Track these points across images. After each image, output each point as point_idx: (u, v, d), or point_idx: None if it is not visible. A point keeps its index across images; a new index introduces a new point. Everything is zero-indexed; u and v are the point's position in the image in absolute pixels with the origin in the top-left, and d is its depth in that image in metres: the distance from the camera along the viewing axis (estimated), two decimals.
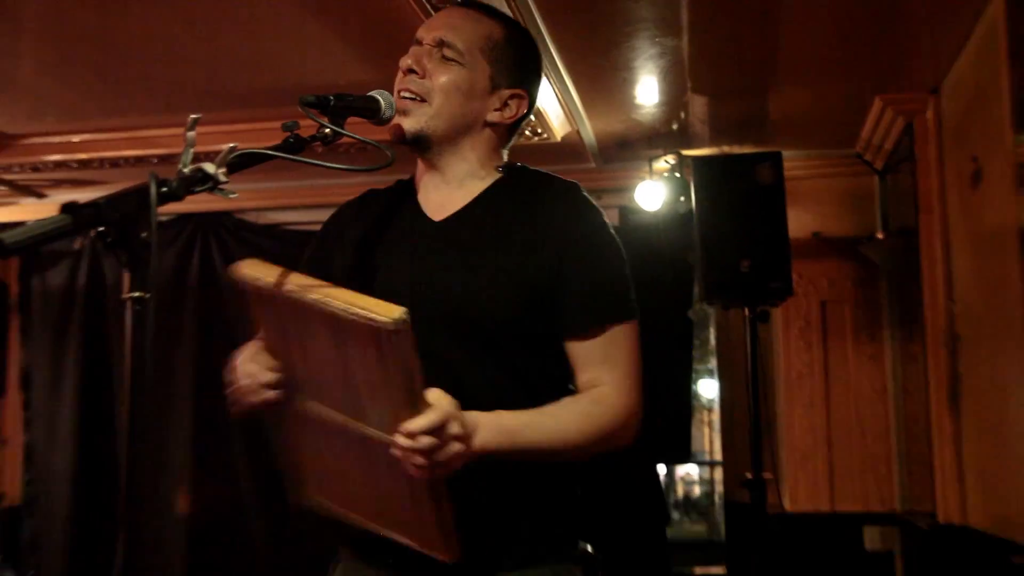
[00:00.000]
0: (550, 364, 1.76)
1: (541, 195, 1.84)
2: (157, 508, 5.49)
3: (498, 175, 1.86)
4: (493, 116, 1.83)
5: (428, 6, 3.10)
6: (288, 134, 1.61)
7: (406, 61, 1.78)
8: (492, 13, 1.94)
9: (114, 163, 4.78)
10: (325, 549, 1.93)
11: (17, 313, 5.61)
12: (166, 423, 5.51)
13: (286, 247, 5.41)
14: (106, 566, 5.51)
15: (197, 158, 1.48)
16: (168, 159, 4.58)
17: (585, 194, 1.84)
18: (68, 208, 1.31)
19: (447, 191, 1.84)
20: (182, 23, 3.55)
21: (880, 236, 4.80)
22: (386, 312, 1.36)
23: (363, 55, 3.63)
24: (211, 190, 1.46)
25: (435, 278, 1.75)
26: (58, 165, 4.88)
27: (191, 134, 1.45)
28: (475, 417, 1.50)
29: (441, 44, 1.78)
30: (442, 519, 1.51)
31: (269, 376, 1.57)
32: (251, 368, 1.59)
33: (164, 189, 1.37)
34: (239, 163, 1.50)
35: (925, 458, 4.22)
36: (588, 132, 4.56)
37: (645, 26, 3.56)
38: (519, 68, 1.87)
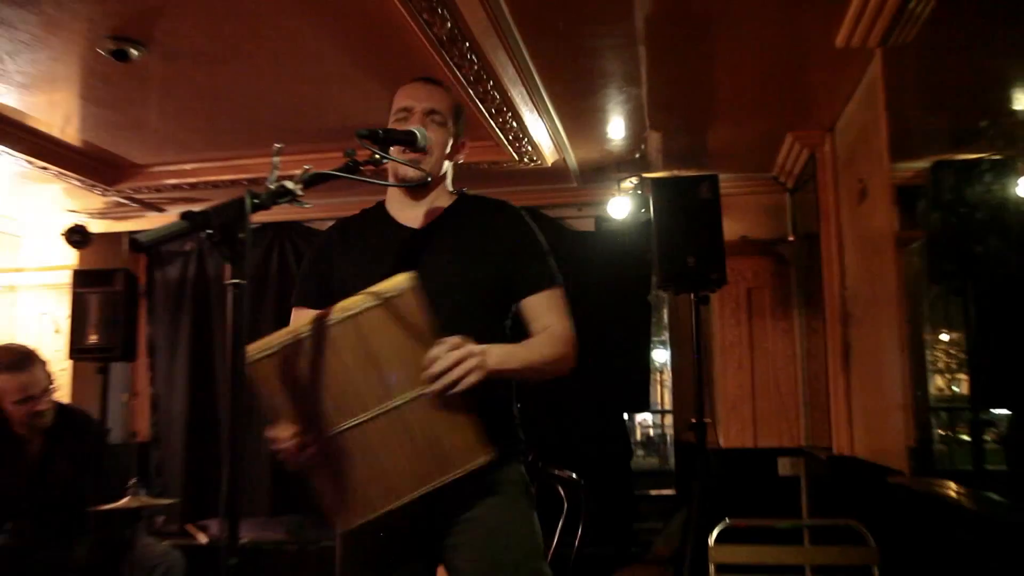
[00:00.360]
0: (502, 322, 1.91)
1: (486, 209, 2.00)
2: (248, 441, 5.51)
3: (454, 196, 2.01)
4: (455, 159, 2.00)
5: (453, 66, 3.14)
6: (347, 159, 1.63)
7: (414, 126, 1.87)
8: (446, 87, 2.07)
9: (215, 185, 4.78)
10: None
11: (144, 298, 5.59)
12: None
13: None
14: (212, 484, 5.55)
15: (280, 178, 1.50)
16: (255, 181, 4.58)
17: (512, 205, 2.01)
18: (185, 215, 1.34)
19: (421, 209, 1.96)
20: (267, 80, 3.56)
21: (791, 239, 4.82)
22: (394, 283, 1.43)
23: None
24: (291, 201, 1.49)
25: (425, 267, 1.81)
26: (174, 187, 4.89)
27: (276, 159, 1.48)
28: (484, 345, 1.61)
29: (432, 112, 1.91)
30: (477, 427, 1.56)
31: (300, 438, 1.57)
32: (285, 436, 1.58)
33: (256, 200, 1.40)
34: (312, 180, 1.53)
35: (823, 406, 4.25)
36: (571, 159, 4.56)
37: (614, 79, 3.57)
38: (462, 124, 2.01)
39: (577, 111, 3.93)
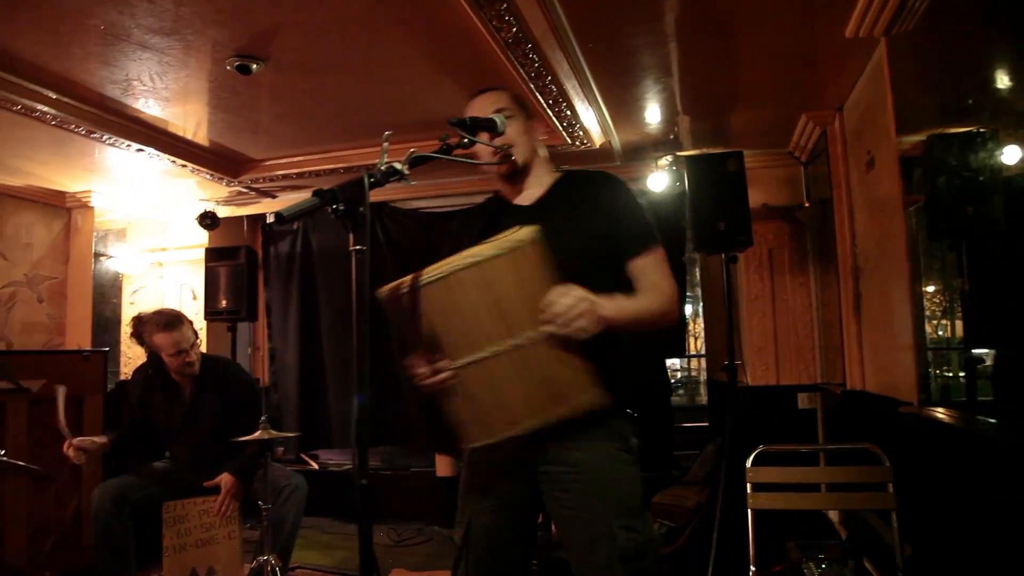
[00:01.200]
0: (615, 285, 1.76)
1: (588, 181, 1.91)
2: (351, 384, 5.65)
3: (558, 174, 1.94)
4: (537, 138, 1.93)
5: (518, 65, 3.16)
6: (441, 143, 1.66)
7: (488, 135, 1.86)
8: (500, 87, 1.99)
9: (316, 174, 4.85)
10: None
11: (261, 269, 5.73)
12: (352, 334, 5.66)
13: (419, 222, 5.44)
14: (320, 421, 5.71)
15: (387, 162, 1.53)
16: (349, 169, 4.64)
17: (614, 175, 1.92)
18: (316, 193, 1.40)
19: (528, 189, 1.92)
20: (360, 84, 3.60)
21: (806, 205, 4.75)
22: (519, 234, 1.37)
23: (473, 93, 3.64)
24: (399, 180, 1.52)
25: None
26: (283, 176, 4.98)
27: (385, 144, 1.52)
28: (597, 296, 1.53)
29: (500, 111, 1.86)
30: (590, 370, 1.49)
31: (433, 366, 1.58)
32: (420, 364, 1.60)
33: (372, 179, 1.45)
34: (416, 161, 1.56)
35: (836, 348, 4.20)
36: (616, 141, 4.54)
37: (651, 72, 3.55)
38: (526, 108, 1.94)
39: (620, 100, 3.91)
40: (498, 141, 1.82)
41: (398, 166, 1.52)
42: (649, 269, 1.79)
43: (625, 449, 1.78)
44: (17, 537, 3.98)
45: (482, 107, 1.89)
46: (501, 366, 1.52)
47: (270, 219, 5.98)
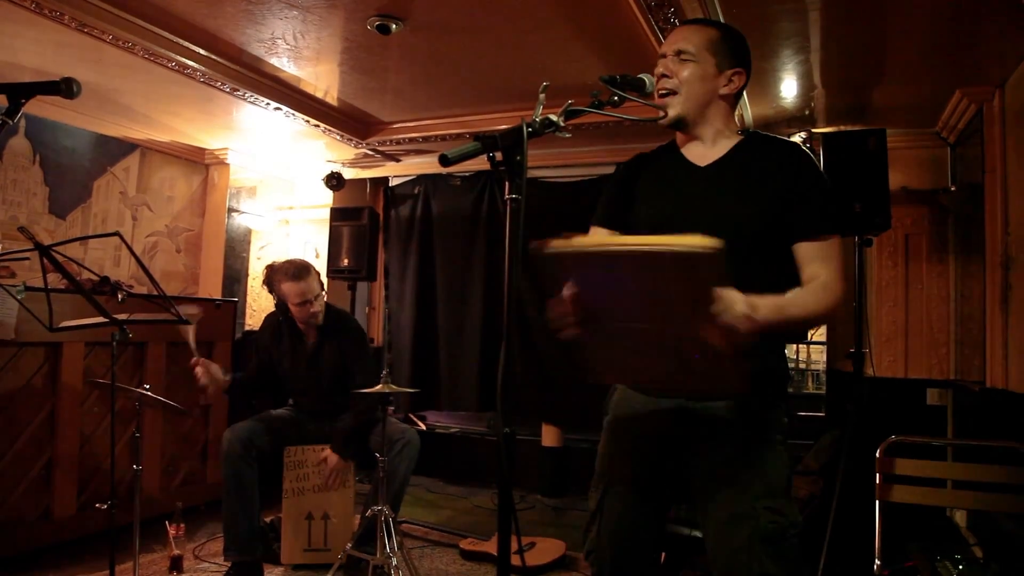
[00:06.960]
0: (780, 266, 1.66)
1: (772, 149, 1.75)
2: (460, 353, 5.73)
3: (740, 137, 1.79)
4: (723, 90, 1.76)
5: (657, 30, 3.03)
6: (593, 99, 1.60)
7: (659, 71, 1.75)
8: (708, 22, 1.86)
9: (442, 138, 4.87)
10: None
11: (382, 231, 5.84)
12: (466, 299, 5.74)
13: (541, 192, 5.38)
14: (430, 381, 5.81)
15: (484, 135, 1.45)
16: (474, 134, 4.57)
17: (803, 148, 1.74)
18: (478, 138, 1.38)
19: (704, 148, 1.79)
20: (496, 47, 3.56)
21: (952, 189, 4.44)
22: (698, 242, 1.22)
23: (606, 61, 3.54)
24: (555, 131, 1.48)
25: (703, 204, 1.71)
26: (409, 140, 5.01)
27: (542, 96, 1.48)
28: (755, 298, 1.38)
29: (679, 52, 1.74)
30: (741, 365, 1.40)
31: (575, 319, 1.45)
32: (560, 310, 1.47)
33: (530, 129, 1.41)
34: (571, 114, 1.51)
35: (975, 343, 3.92)
36: (748, 115, 4.35)
37: (790, 41, 3.35)
38: (735, 54, 1.77)
39: (756, 71, 3.63)
40: (665, 85, 1.72)
41: (554, 118, 1.47)
42: (817, 260, 1.62)
43: (774, 430, 1.69)
44: (153, 469, 4.27)
45: (671, 41, 1.78)
46: (646, 340, 1.46)
47: (393, 183, 6.10)
